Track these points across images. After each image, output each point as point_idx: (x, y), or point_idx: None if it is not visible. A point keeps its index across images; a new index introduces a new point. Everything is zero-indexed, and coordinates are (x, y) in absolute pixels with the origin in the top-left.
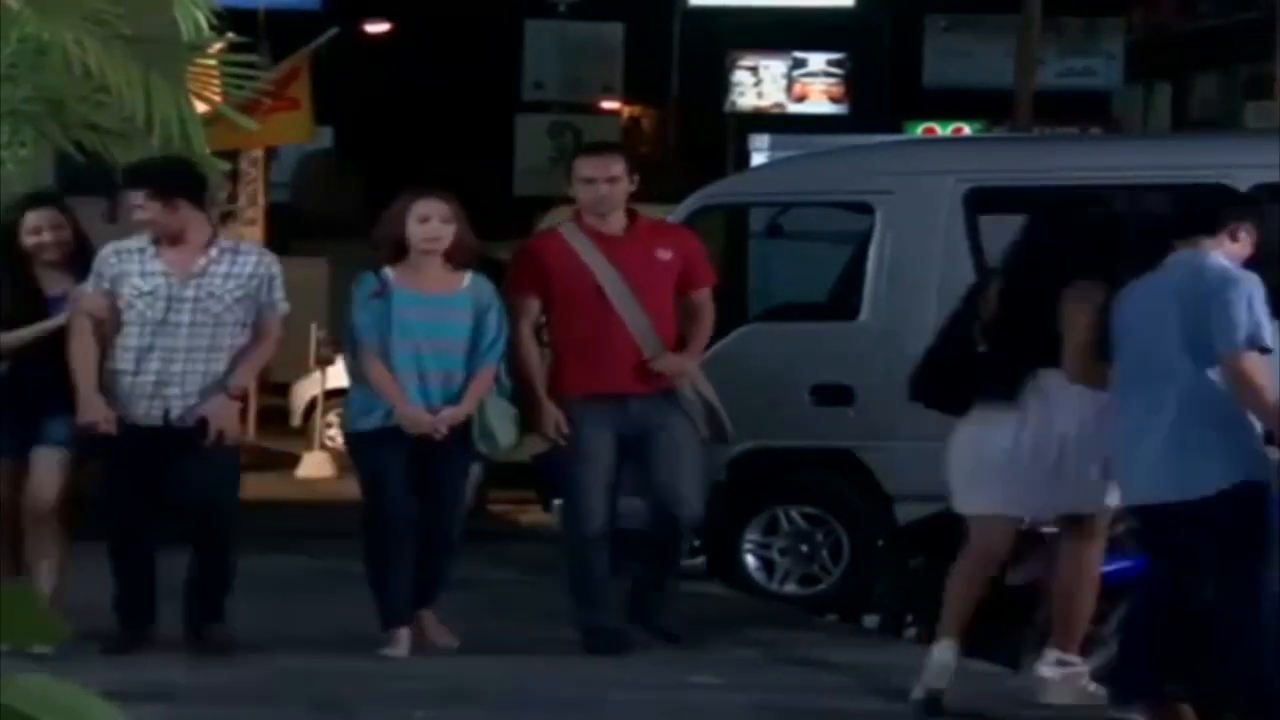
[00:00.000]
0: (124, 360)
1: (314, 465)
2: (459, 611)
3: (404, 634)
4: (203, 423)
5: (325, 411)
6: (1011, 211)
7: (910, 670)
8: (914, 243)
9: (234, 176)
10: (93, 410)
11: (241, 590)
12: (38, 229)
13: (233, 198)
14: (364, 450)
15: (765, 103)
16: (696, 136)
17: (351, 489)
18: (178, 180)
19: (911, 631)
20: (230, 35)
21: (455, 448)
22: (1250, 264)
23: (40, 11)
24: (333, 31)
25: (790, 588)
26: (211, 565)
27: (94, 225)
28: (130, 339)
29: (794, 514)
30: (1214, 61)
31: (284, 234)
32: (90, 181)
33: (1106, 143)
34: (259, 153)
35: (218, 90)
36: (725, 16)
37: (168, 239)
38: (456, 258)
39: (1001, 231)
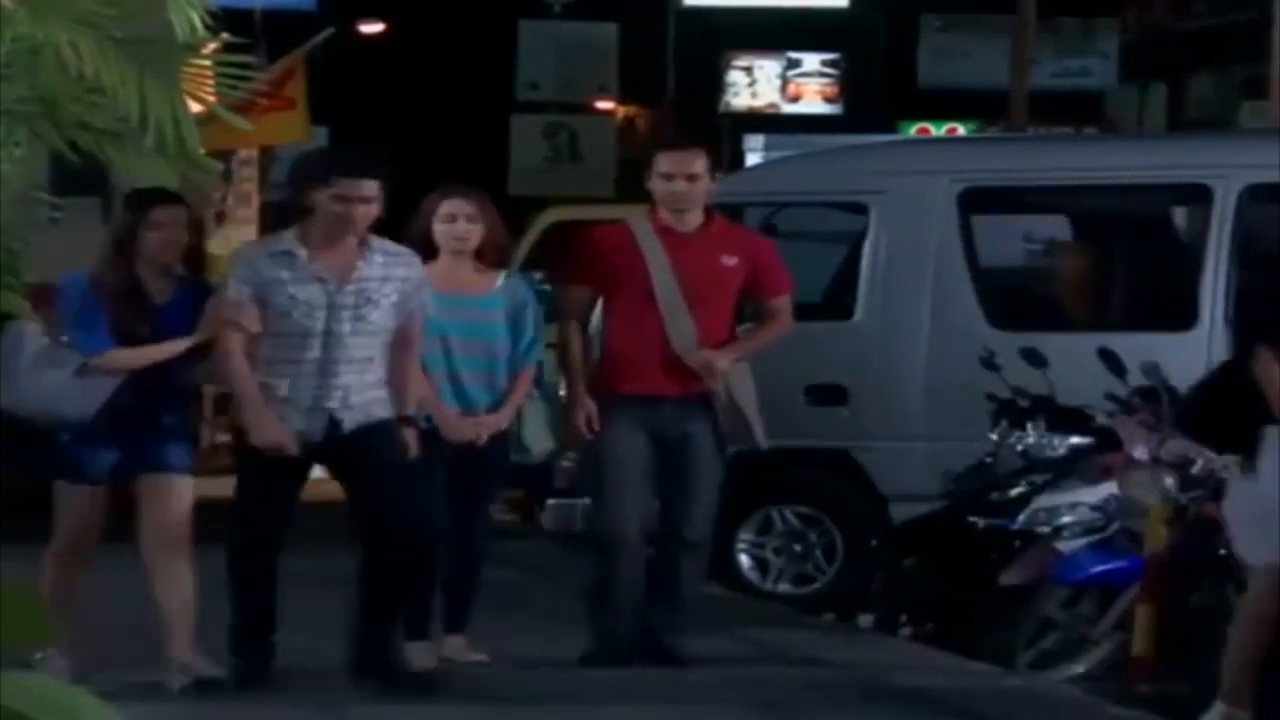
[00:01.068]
0: (279, 375)
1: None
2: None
3: (424, 647)
4: (372, 442)
5: None
6: (1006, 212)
7: (904, 669)
8: (908, 243)
9: (225, 177)
10: (272, 432)
11: (219, 590)
12: (170, 226)
13: (224, 198)
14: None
15: (760, 103)
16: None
17: (342, 489)
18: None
19: (906, 631)
20: (225, 35)
21: (494, 454)
22: None
23: (34, 12)
24: (328, 32)
25: (784, 587)
26: (418, 586)
27: (87, 227)
28: (287, 351)
29: (788, 513)
30: (1209, 62)
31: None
32: (85, 182)
33: (1101, 143)
34: (252, 153)
35: (212, 90)
36: (720, 16)
37: (345, 238)
38: (488, 257)
39: (995, 232)
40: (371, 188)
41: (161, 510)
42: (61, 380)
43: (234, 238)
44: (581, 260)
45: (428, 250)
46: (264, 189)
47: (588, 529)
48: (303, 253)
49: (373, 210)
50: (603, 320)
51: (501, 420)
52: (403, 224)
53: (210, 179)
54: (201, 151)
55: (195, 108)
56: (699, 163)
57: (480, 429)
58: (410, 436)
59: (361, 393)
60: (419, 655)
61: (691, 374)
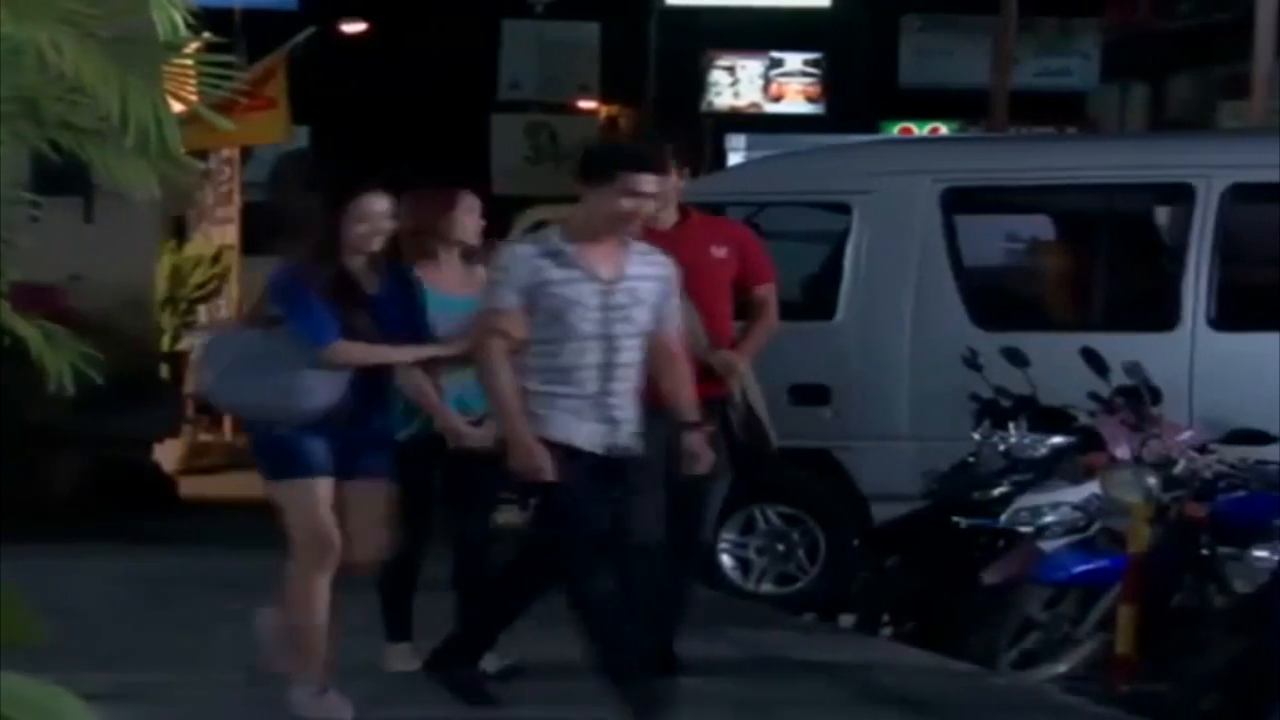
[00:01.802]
0: (552, 382)
1: None
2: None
3: (408, 648)
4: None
5: None
6: (988, 211)
7: (887, 669)
8: (891, 242)
9: (205, 176)
10: (534, 456)
11: (219, 590)
12: (378, 216)
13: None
14: (401, 461)
15: (742, 102)
16: (674, 136)
17: None
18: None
19: (888, 630)
20: (207, 35)
21: (496, 458)
22: None
23: (16, 11)
24: (309, 31)
25: (767, 587)
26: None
27: (69, 226)
28: (559, 357)
29: (770, 513)
30: (1190, 61)
31: (261, 233)
32: (66, 181)
33: (1083, 143)
34: (232, 152)
35: (194, 90)
36: (702, 16)
37: (616, 236)
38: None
39: (978, 231)
40: (658, 183)
41: (371, 518)
42: (300, 375)
43: (215, 237)
44: None
45: (418, 248)
46: (244, 190)
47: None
48: (572, 251)
49: (653, 206)
50: None
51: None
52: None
53: (192, 179)
54: (183, 151)
55: (177, 107)
56: (671, 175)
57: (486, 435)
58: (699, 443)
59: (632, 399)
60: (400, 658)
61: (702, 371)
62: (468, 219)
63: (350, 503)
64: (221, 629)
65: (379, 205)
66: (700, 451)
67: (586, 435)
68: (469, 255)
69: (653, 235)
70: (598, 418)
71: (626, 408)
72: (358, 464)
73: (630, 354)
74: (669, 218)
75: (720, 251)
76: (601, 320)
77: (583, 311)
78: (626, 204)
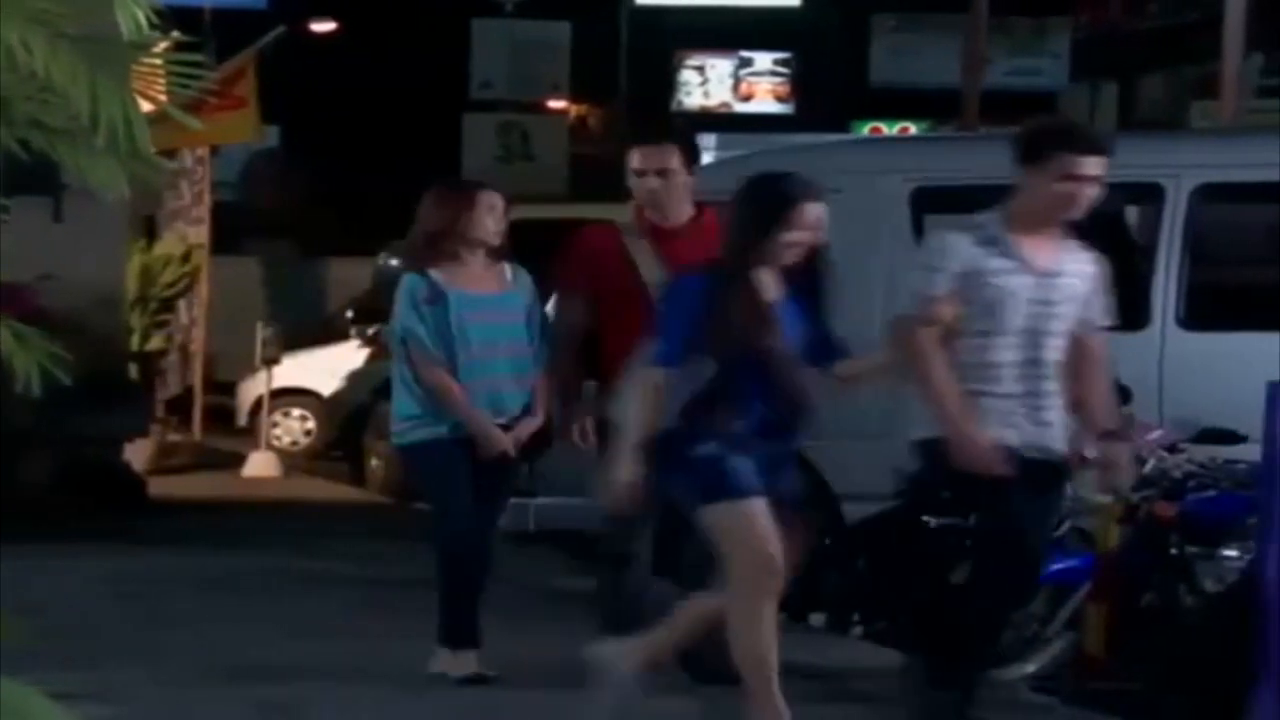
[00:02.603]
0: (984, 380)
1: (260, 465)
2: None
3: (473, 656)
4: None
5: (271, 411)
6: (959, 211)
7: (857, 668)
8: (861, 242)
9: (179, 175)
10: (984, 448)
11: (187, 589)
12: (816, 225)
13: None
14: (429, 463)
15: (712, 102)
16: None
17: (296, 489)
18: None
19: (858, 630)
20: (176, 34)
21: (516, 460)
22: None
23: None
24: (279, 30)
25: None
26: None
27: (38, 226)
28: (992, 353)
29: None
30: (1160, 61)
31: (236, 233)
32: (35, 181)
33: None
34: (204, 151)
35: (163, 89)
36: (672, 15)
37: (1053, 225)
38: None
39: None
40: (1101, 165)
41: (791, 548)
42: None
43: (191, 237)
44: (574, 264)
45: (437, 249)
46: (213, 189)
47: (603, 536)
48: (1010, 239)
49: (1095, 192)
50: (601, 324)
51: (536, 425)
52: (347, 223)
53: (162, 178)
54: (153, 151)
55: (146, 107)
56: (671, 157)
57: (517, 438)
58: (1119, 453)
59: (1059, 400)
60: (463, 664)
61: None
62: (488, 218)
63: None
64: (193, 628)
65: (816, 213)
66: (1119, 463)
67: (1017, 436)
68: (496, 254)
69: (663, 231)
70: (1028, 419)
71: (1055, 409)
72: (779, 486)
73: (1056, 352)
74: (680, 215)
75: None
76: (1033, 315)
77: (1016, 305)
78: (1064, 188)
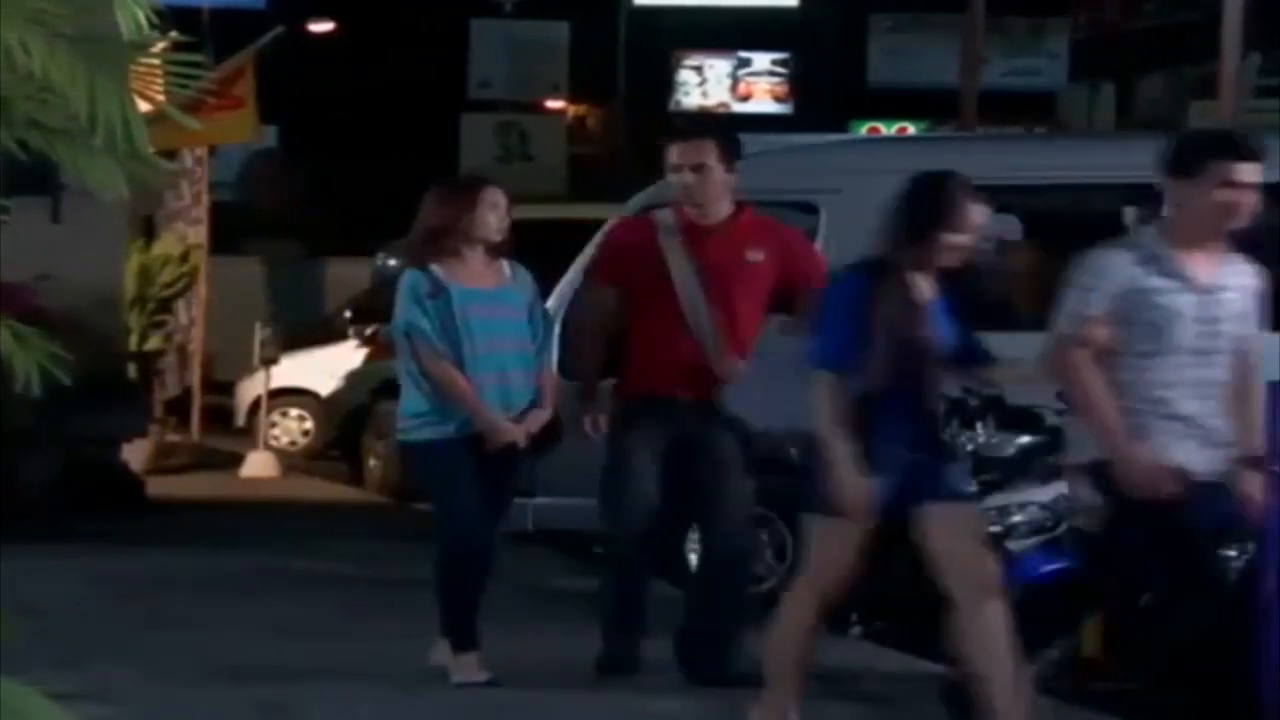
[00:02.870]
0: (1146, 401)
1: (258, 465)
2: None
3: (474, 659)
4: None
5: (270, 411)
6: None
7: (854, 668)
8: (859, 242)
9: (180, 175)
10: (1152, 470)
11: (186, 590)
12: (979, 229)
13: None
14: (435, 462)
15: (710, 102)
16: (643, 135)
17: (295, 489)
18: None
19: (856, 630)
20: (174, 34)
21: (521, 454)
22: None
23: None
24: (278, 30)
25: None
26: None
27: (37, 226)
28: (1155, 373)
29: None
30: (1159, 61)
31: (235, 233)
32: (33, 181)
33: (1052, 143)
34: (203, 151)
35: (161, 89)
36: (670, 16)
37: (1217, 237)
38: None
39: None
40: (1257, 172)
41: (962, 543)
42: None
43: (191, 237)
44: (605, 257)
45: (438, 245)
46: (211, 189)
47: (605, 536)
48: (1171, 256)
49: (1253, 199)
50: (627, 319)
51: (544, 418)
52: (346, 223)
53: (161, 178)
54: (151, 151)
55: (144, 107)
56: (707, 153)
57: (524, 432)
58: (1256, 485)
59: (1226, 421)
60: (468, 667)
61: (713, 376)
62: (491, 215)
63: (933, 530)
64: (192, 629)
65: (979, 215)
66: (1254, 494)
67: (1189, 459)
68: (495, 251)
69: (697, 228)
70: (1198, 441)
71: (1223, 430)
72: (932, 486)
73: (1223, 371)
74: (718, 213)
75: (757, 255)
76: (1199, 334)
77: (1183, 325)
78: (1223, 196)
